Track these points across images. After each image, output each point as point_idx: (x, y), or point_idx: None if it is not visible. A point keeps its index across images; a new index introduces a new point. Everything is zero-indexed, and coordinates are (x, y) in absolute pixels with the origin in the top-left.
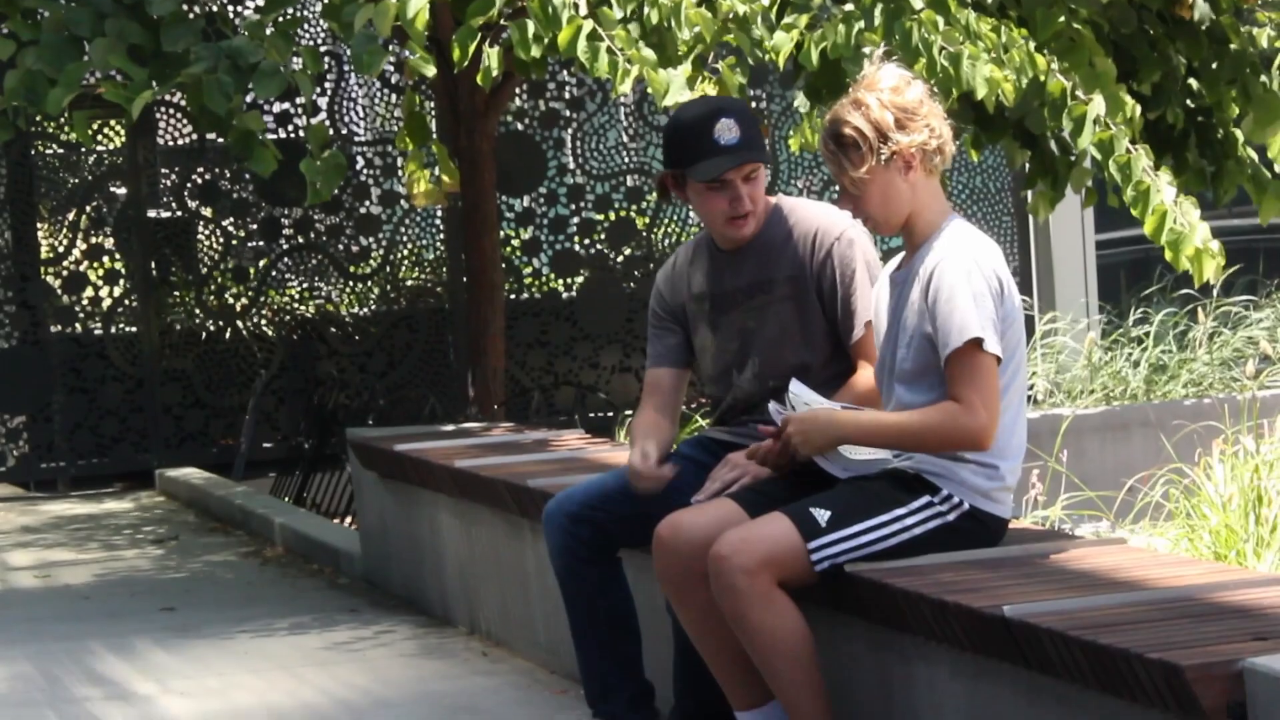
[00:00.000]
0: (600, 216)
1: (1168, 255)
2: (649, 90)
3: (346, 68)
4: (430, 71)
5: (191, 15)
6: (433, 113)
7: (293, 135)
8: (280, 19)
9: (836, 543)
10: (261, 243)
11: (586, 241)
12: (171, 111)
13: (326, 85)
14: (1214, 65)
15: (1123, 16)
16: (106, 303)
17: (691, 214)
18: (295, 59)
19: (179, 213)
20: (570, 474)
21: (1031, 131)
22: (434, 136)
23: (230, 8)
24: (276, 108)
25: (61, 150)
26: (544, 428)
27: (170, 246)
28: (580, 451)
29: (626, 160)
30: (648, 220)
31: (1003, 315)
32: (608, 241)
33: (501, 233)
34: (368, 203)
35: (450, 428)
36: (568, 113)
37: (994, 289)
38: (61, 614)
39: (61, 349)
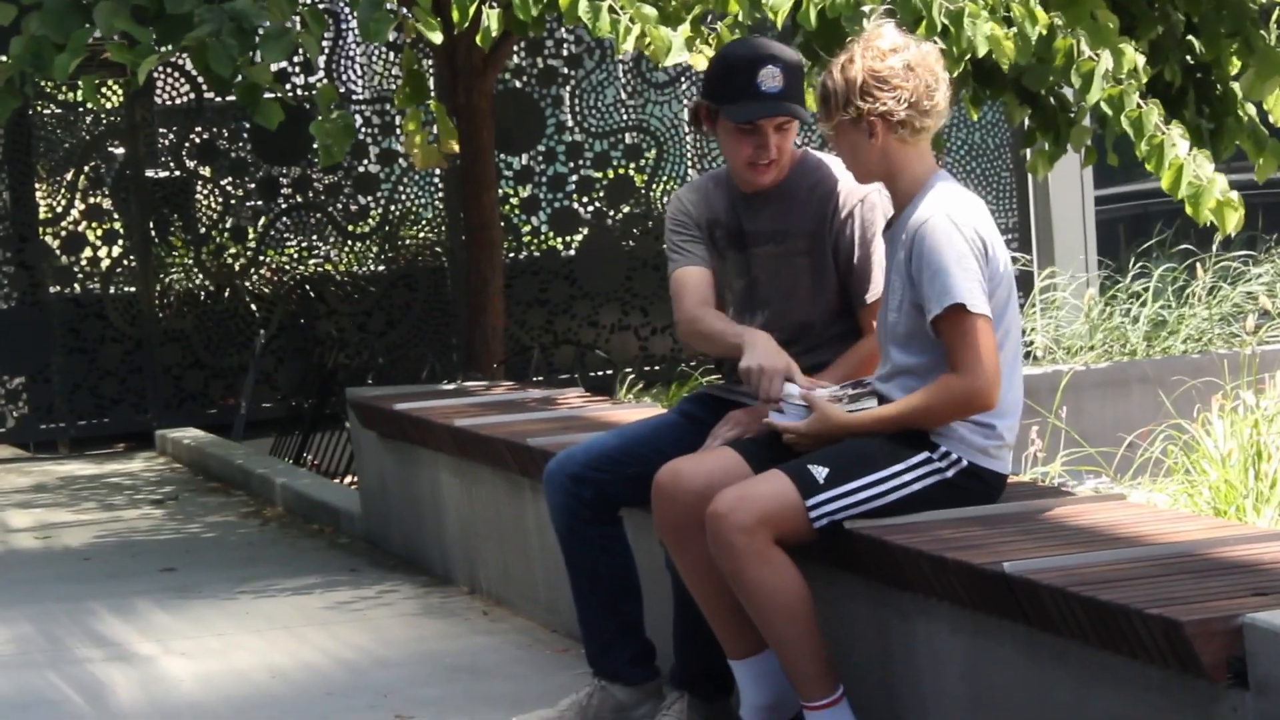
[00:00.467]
0: (599, 174)
1: (1188, 209)
2: (646, 51)
3: (345, 25)
4: (438, 38)
5: None
6: (431, 71)
7: (289, 95)
8: None
9: (835, 499)
10: (260, 202)
11: (585, 199)
12: (169, 71)
13: (324, 43)
14: (1219, 15)
15: None
16: (105, 263)
17: (691, 171)
18: (296, 20)
19: (177, 172)
20: (570, 433)
21: (1029, 89)
22: (433, 95)
23: None
24: (274, 66)
25: (59, 110)
26: (544, 386)
27: (169, 206)
28: (580, 410)
29: (625, 118)
30: (646, 178)
31: (989, 274)
32: (606, 199)
33: (500, 191)
34: (366, 161)
35: (450, 386)
36: (566, 70)
37: (977, 248)
38: (62, 575)
39: (60, 310)
